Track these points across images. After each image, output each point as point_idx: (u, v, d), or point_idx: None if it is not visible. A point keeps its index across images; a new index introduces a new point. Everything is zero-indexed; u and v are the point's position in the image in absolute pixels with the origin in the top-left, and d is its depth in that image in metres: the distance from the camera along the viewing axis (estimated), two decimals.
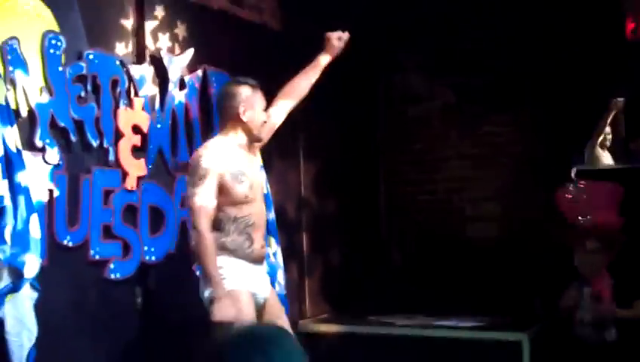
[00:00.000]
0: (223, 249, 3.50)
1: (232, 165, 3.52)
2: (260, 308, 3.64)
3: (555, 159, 5.57)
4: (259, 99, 3.68)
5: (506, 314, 5.21)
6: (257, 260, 3.64)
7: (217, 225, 3.51)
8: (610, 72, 5.31)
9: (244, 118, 3.61)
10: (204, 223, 3.42)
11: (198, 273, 3.65)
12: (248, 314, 3.45)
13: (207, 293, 3.44)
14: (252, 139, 3.69)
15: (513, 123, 5.82)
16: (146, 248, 3.92)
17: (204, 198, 3.43)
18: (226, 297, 3.38)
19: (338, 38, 3.99)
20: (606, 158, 5.72)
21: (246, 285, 3.52)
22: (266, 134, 3.79)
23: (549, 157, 5.62)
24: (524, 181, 5.74)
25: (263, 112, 3.69)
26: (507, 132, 5.84)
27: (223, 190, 3.48)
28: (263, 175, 3.91)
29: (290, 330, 3.52)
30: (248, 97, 3.62)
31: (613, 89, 5.31)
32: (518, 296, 5.44)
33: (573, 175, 4.83)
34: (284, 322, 3.70)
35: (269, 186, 4.62)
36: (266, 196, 4.55)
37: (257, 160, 3.85)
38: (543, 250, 5.56)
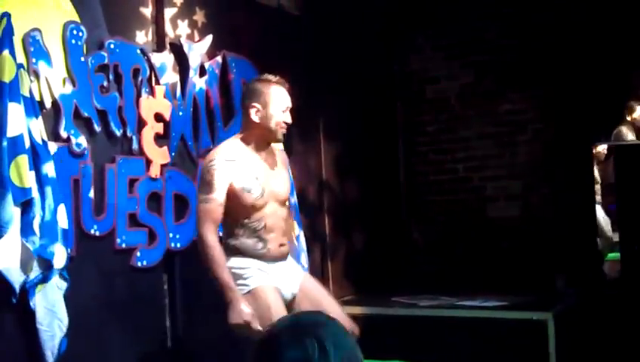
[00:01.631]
0: (235, 251, 3.45)
1: (242, 172, 3.41)
2: (291, 302, 3.57)
3: (575, 136, 5.57)
4: (276, 97, 3.46)
5: (528, 293, 5.22)
6: (277, 258, 3.53)
7: (227, 229, 3.48)
8: (631, 49, 5.28)
9: (255, 119, 3.46)
10: (206, 228, 3.32)
11: None
12: (276, 309, 3.34)
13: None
14: (268, 140, 3.54)
15: (532, 101, 5.79)
16: (171, 235, 3.94)
17: (209, 205, 3.34)
18: (240, 300, 3.28)
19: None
20: (631, 136, 5.72)
21: (270, 281, 3.45)
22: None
23: (569, 135, 5.61)
24: (545, 159, 5.72)
25: (282, 112, 3.48)
26: (526, 110, 5.82)
27: (230, 197, 3.38)
28: (284, 173, 3.70)
29: (337, 310, 3.59)
30: (263, 96, 3.45)
31: (634, 65, 5.29)
32: (541, 275, 5.45)
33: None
34: (329, 303, 3.66)
35: (290, 171, 4.65)
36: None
37: (279, 158, 3.69)
38: (565, 228, 5.57)
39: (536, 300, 5.00)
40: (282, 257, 3.58)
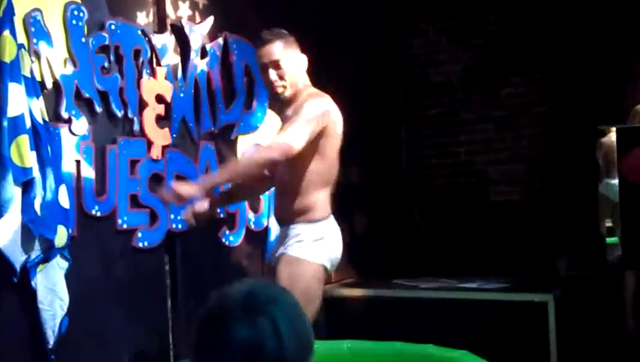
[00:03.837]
0: None
1: None
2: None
3: (578, 119, 5.57)
4: (258, 59, 3.42)
5: (529, 276, 5.24)
6: (279, 221, 3.55)
7: None
8: (633, 31, 5.27)
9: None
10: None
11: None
12: None
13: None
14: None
15: (535, 84, 5.79)
16: (172, 216, 3.95)
17: None
18: (183, 184, 3.20)
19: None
20: None
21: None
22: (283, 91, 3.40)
23: (572, 118, 5.60)
24: (547, 142, 5.72)
25: (266, 70, 3.37)
26: (529, 93, 5.82)
27: None
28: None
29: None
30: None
31: (635, 47, 5.29)
32: (542, 258, 5.47)
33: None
34: None
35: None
36: None
37: (294, 110, 3.38)
38: (566, 211, 5.57)
39: (537, 282, 5.02)
40: (280, 221, 3.53)
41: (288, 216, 3.42)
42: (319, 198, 3.41)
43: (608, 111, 5.40)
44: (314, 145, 3.32)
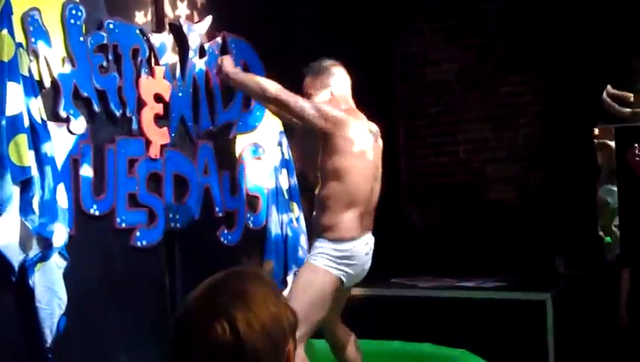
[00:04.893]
0: None
1: None
2: None
3: (575, 118, 5.57)
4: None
5: (527, 275, 5.25)
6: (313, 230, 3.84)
7: None
8: (630, 31, 5.28)
9: None
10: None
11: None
12: None
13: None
14: None
15: (533, 83, 5.79)
16: (170, 216, 3.95)
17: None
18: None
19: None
20: None
21: None
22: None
23: (569, 117, 5.61)
24: (545, 141, 5.73)
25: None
26: (527, 92, 5.82)
27: None
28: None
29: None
30: None
31: (632, 48, 5.29)
32: (540, 257, 5.48)
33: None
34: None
35: (290, 152, 4.66)
36: (287, 162, 4.60)
37: None
38: (564, 210, 5.58)
39: (535, 281, 5.03)
40: (313, 232, 3.80)
41: (317, 229, 3.65)
42: (343, 219, 3.56)
43: (605, 110, 5.40)
44: (329, 162, 3.62)
